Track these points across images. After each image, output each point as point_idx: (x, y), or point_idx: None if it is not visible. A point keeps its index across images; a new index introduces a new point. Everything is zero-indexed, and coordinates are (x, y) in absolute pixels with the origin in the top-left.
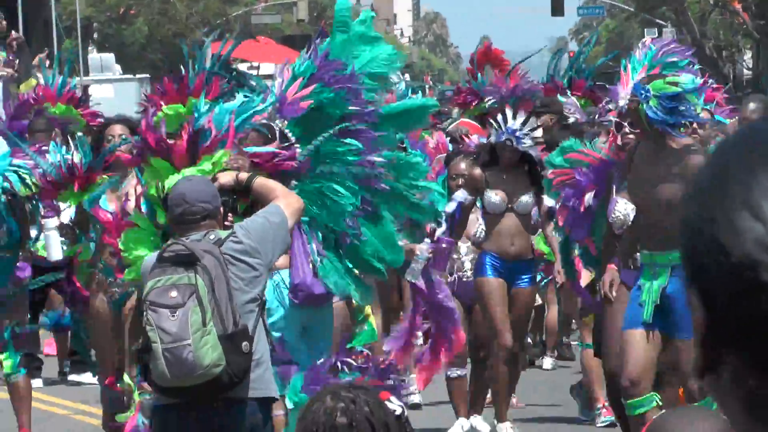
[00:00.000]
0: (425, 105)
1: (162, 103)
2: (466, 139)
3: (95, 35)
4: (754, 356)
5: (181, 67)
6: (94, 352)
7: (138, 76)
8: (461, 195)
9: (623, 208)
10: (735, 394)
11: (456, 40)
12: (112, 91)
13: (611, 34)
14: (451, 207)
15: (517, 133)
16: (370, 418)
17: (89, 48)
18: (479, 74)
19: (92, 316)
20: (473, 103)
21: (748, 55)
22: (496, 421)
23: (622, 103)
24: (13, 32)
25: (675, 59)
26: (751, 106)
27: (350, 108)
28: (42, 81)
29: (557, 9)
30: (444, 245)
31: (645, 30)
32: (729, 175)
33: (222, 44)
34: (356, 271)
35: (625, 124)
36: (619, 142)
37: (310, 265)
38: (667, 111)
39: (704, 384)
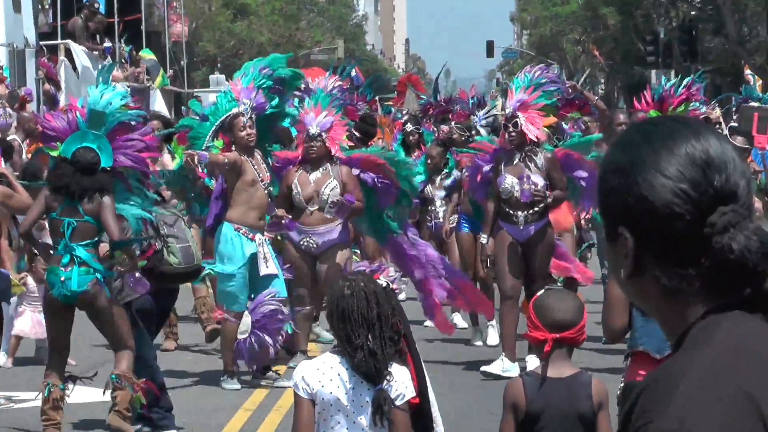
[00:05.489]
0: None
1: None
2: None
3: (218, 65)
4: (666, 259)
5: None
6: None
7: None
8: (457, 173)
9: (510, 181)
10: (653, 286)
11: (430, 70)
12: None
13: (520, 68)
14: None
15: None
16: (364, 289)
17: (215, 72)
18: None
19: None
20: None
21: (601, 83)
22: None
23: (507, 110)
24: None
25: (544, 81)
26: (621, 117)
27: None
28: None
29: (490, 52)
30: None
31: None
32: (641, 153)
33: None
34: None
35: (510, 125)
36: (506, 137)
37: None
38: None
39: (630, 284)
